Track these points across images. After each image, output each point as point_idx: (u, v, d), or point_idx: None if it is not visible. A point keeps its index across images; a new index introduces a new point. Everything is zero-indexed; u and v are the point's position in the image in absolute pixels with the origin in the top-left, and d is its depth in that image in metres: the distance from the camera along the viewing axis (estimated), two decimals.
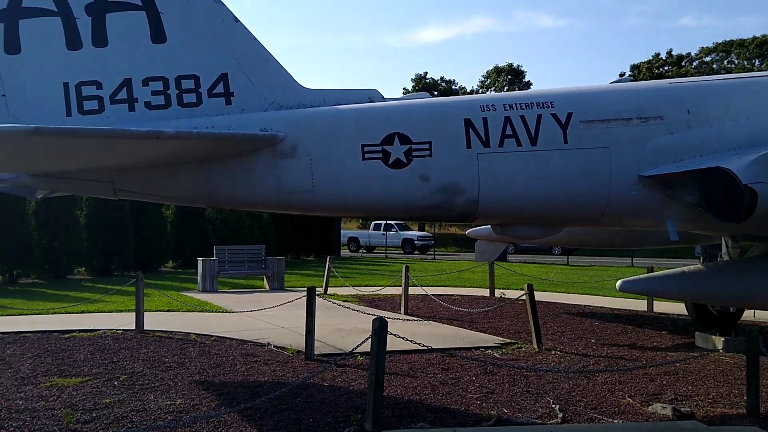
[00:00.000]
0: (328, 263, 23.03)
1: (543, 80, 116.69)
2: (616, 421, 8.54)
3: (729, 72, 63.52)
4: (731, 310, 14.16)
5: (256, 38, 10.04)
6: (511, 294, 22.48)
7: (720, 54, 63.63)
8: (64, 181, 9.54)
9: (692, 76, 62.18)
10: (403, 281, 18.39)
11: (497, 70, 75.54)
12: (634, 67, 64.98)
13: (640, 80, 62.14)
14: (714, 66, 65.82)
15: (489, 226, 16.43)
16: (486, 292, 23.68)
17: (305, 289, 12.94)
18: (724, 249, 13.58)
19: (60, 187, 10.02)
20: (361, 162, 9.67)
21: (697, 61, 65.24)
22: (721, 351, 12.84)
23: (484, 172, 9.81)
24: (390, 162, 9.70)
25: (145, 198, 10.31)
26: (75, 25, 9.47)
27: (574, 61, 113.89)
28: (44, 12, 9.42)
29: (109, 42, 9.54)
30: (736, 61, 64.22)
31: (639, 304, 20.48)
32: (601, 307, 20.33)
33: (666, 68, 63.33)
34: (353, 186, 9.72)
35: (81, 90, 9.46)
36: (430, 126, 9.84)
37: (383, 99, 10.55)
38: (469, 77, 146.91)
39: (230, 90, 9.85)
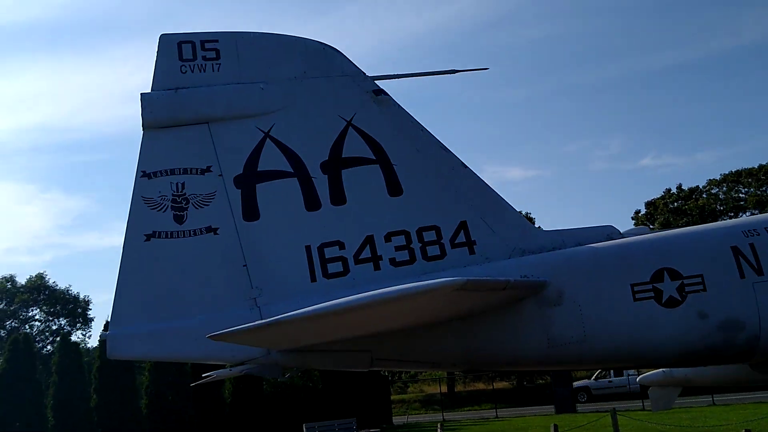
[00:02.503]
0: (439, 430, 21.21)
1: (548, 225, 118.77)
2: None
3: (740, 201, 64.72)
4: None
5: (486, 183, 9.43)
6: None
7: (729, 184, 65.15)
8: (320, 354, 8.44)
9: (708, 207, 63.23)
10: None
11: None
12: (649, 204, 66.05)
13: (658, 217, 62.81)
14: (721, 196, 67.23)
15: (661, 371, 15.27)
16: None
17: None
18: None
19: (312, 362, 8.90)
20: (633, 303, 8.72)
21: (705, 194, 66.61)
22: None
23: (763, 303, 8.88)
24: (663, 301, 8.76)
25: (399, 366, 9.22)
26: (312, 185, 8.83)
27: (550, 206, 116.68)
28: (281, 174, 8.81)
29: (348, 199, 8.88)
30: (743, 191, 65.73)
31: None
32: None
33: (680, 202, 64.52)
34: (627, 331, 8.71)
35: (324, 252, 8.65)
36: (698, 257, 9.02)
37: (621, 235, 9.81)
38: None
39: (471, 239, 9.08)
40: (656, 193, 69.32)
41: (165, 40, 8.83)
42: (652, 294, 8.78)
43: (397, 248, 8.84)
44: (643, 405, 39.56)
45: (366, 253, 8.74)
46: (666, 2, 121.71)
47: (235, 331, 6.66)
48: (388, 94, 9.40)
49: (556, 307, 8.65)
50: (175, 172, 8.53)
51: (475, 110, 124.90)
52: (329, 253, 8.67)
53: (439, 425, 21.99)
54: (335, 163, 8.98)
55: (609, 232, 9.81)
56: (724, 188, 65.81)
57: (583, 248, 9.22)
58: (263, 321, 6.83)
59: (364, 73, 9.44)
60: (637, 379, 16.32)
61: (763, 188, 63.52)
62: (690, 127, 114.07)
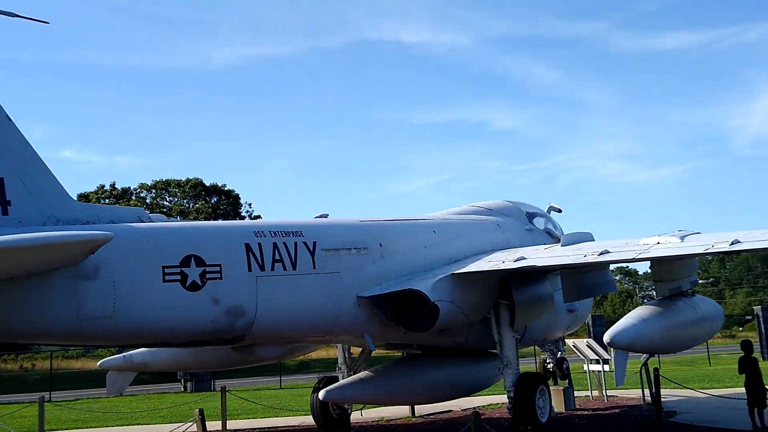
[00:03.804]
0: None
1: None
2: None
3: (164, 208, 69.36)
4: (349, 411, 16.65)
5: (29, 143, 8.69)
6: None
7: (159, 191, 69.23)
8: None
9: (136, 206, 65.81)
10: None
11: None
12: (82, 196, 64.79)
13: None
14: (147, 201, 70.91)
15: (122, 355, 15.75)
16: None
17: None
18: (341, 359, 16.38)
19: None
20: (161, 284, 9.22)
21: (134, 195, 69.17)
22: None
23: (261, 295, 10.44)
24: (187, 284, 9.51)
25: None
26: None
27: None
28: None
29: None
30: (168, 198, 70.67)
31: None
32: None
33: (112, 200, 65.34)
34: (154, 310, 9.14)
35: None
36: (219, 249, 10.06)
37: (150, 219, 10.17)
38: None
39: (6, 198, 8.26)
40: (86, 187, 69.02)
41: None
42: (179, 277, 9.48)
43: None
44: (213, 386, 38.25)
45: None
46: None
47: None
48: None
49: (91, 281, 8.56)
50: None
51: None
52: None
53: None
54: None
55: (139, 214, 10.14)
56: (153, 193, 69.55)
57: (122, 226, 9.33)
58: None
59: None
60: (98, 364, 16.38)
61: (186, 200, 69.50)
62: (114, 131, 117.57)
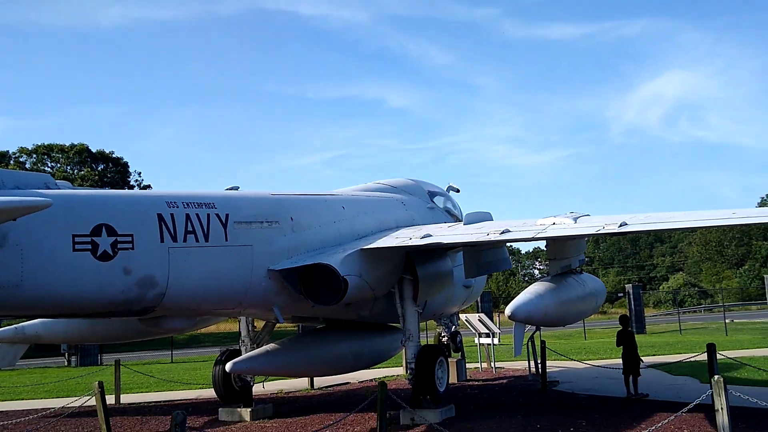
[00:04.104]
0: None
1: None
2: None
3: (46, 173, 65.59)
4: (251, 383, 16.60)
5: None
6: None
7: (40, 156, 65.30)
8: None
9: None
10: None
11: None
12: None
13: None
14: (27, 166, 66.82)
15: (13, 327, 15.11)
16: None
17: None
18: (244, 332, 16.35)
19: None
20: (71, 253, 8.97)
21: (12, 160, 65.03)
22: (248, 421, 15.19)
23: (173, 266, 10.33)
24: (98, 254, 9.29)
25: None
26: None
27: None
28: None
29: None
30: (50, 164, 66.85)
31: None
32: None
33: None
34: (63, 280, 8.89)
35: None
36: (132, 218, 9.86)
37: (56, 186, 9.81)
38: None
39: None
40: None
41: None
42: (89, 246, 9.25)
43: None
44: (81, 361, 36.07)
45: None
46: None
47: None
48: None
49: None
50: None
51: None
52: None
53: None
54: None
55: (45, 181, 9.78)
56: (34, 158, 65.77)
57: (32, 193, 8.99)
58: None
59: None
60: None
61: (70, 166, 66.18)
62: None
